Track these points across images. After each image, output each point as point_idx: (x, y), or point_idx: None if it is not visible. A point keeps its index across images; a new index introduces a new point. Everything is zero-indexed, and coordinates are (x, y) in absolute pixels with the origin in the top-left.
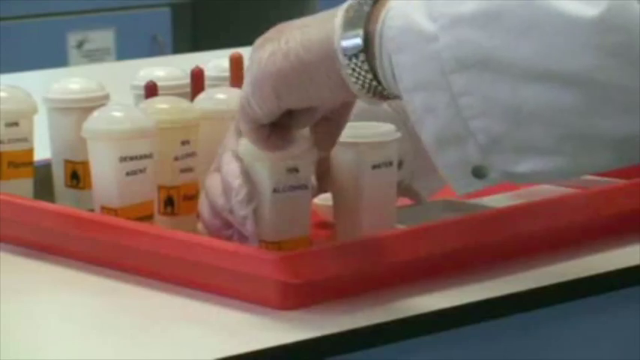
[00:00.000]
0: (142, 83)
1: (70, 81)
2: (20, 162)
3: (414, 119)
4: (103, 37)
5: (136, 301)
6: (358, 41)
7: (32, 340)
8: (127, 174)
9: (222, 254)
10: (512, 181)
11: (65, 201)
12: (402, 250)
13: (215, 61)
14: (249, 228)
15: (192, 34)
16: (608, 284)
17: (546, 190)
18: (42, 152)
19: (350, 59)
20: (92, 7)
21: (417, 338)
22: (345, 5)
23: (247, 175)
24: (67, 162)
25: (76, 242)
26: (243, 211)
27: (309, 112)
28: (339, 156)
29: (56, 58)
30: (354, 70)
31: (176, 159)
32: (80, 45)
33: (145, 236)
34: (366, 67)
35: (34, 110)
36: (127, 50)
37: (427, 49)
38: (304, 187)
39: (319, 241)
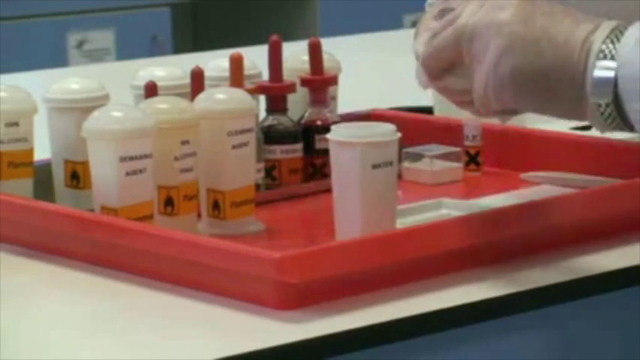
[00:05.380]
0: (142, 83)
1: (70, 81)
2: (20, 162)
3: None
4: (103, 37)
5: (136, 301)
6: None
7: (32, 340)
8: (127, 174)
9: (222, 254)
10: None
11: (65, 201)
12: (402, 250)
13: (215, 61)
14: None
15: (192, 34)
16: (608, 284)
17: (546, 190)
18: (42, 152)
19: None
20: (92, 7)
21: (417, 338)
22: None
23: None
24: (67, 162)
25: (76, 242)
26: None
27: None
28: (339, 156)
29: (56, 58)
30: None
31: (176, 159)
32: (80, 45)
33: (145, 236)
34: None
35: (34, 110)
36: (126, 50)
37: None
38: None
39: (319, 241)
